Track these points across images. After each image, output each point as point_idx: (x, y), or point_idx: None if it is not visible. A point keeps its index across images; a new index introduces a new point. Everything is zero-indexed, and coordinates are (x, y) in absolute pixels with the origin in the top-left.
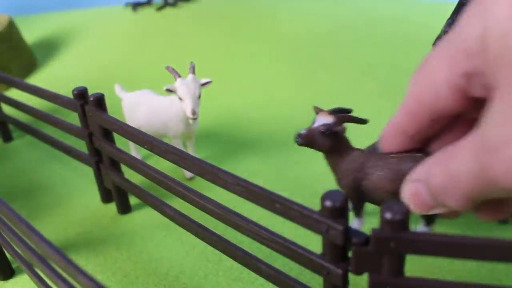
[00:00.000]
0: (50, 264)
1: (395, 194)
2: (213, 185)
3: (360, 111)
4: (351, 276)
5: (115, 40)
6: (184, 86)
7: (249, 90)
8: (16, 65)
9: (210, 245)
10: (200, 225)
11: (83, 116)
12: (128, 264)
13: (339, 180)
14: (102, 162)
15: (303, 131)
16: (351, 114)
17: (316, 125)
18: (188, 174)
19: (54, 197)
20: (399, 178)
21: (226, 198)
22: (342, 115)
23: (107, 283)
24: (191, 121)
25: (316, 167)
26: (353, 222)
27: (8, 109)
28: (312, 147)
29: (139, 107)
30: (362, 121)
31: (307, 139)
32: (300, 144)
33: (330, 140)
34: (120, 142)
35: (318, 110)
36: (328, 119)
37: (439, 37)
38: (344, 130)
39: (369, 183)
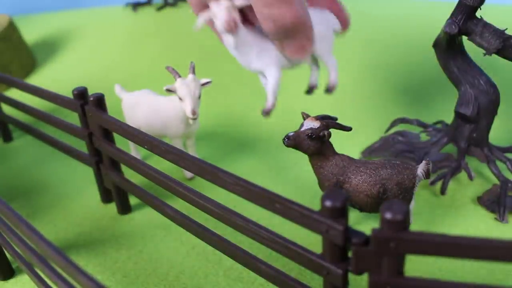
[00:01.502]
0: (50, 264)
1: (375, 198)
2: (213, 185)
3: (360, 111)
4: (351, 276)
5: (115, 40)
6: (184, 86)
7: (249, 90)
8: (16, 65)
9: (210, 245)
10: (200, 225)
11: (83, 116)
12: (128, 264)
13: (321, 183)
14: (102, 162)
15: (291, 134)
16: (336, 121)
17: (303, 128)
18: (188, 174)
19: (54, 197)
20: (379, 182)
21: (226, 198)
22: (328, 121)
23: (107, 283)
24: (191, 121)
25: None
26: None
27: (8, 109)
28: (298, 149)
29: (139, 107)
30: (346, 128)
31: (294, 141)
32: (287, 145)
33: (315, 144)
34: (120, 142)
35: (305, 116)
36: (315, 124)
37: (439, 37)
38: (329, 135)
39: (350, 186)
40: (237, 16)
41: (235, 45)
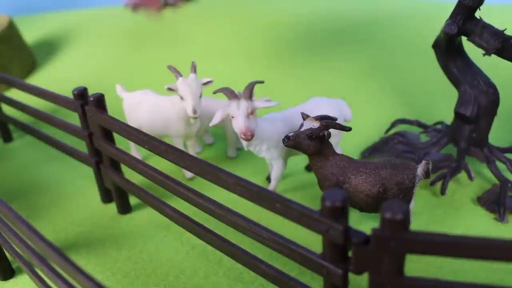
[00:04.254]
0: (50, 264)
1: (375, 198)
2: (213, 185)
3: (360, 111)
4: (351, 276)
5: (115, 40)
6: (186, 85)
7: None
8: (16, 65)
9: (210, 245)
10: (200, 225)
11: (83, 116)
12: (128, 264)
13: (321, 183)
14: (102, 162)
15: (291, 134)
16: (336, 121)
17: (303, 129)
18: (188, 174)
19: (54, 197)
20: (379, 182)
21: (226, 198)
22: (327, 121)
23: (107, 283)
24: (192, 121)
25: None
26: None
27: (8, 109)
28: (298, 149)
29: (140, 107)
30: (346, 128)
31: (294, 142)
32: (287, 146)
33: (315, 144)
34: (120, 142)
35: (305, 116)
36: (315, 124)
37: (439, 37)
38: (329, 135)
39: (349, 186)
40: (254, 122)
41: (247, 147)
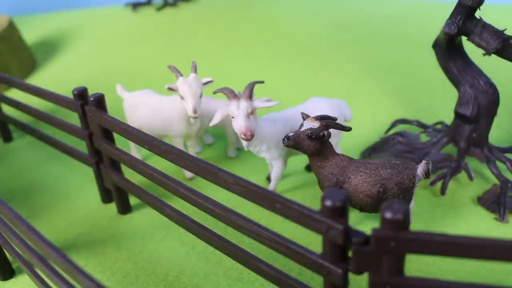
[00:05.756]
0: (50, 264)
1: (375, 198)
2: (213, 185)
3: (360, 111)
4: (351, 276)
5: (115, 40)
6: (186, 84)
7: None
8: (16, 65)
9: (210, 245)
10: (200, 225)
11: (83, 116)
12: (128, 264)
13: (321, 183)
14: (102, 162)
15: (291, 134)
16: (336, 121)
17: (303, 129)
18: (188, 174)
19: (54, 197)
20: (379, 182)
21: (226, 198)
22: (327, 121)
23: (107, 283)
24: (192, 120)
25: None
26: None
27: (8, 109)
28: (298, 149)
29: (141, 107)
30: (346, 128)
31: (294, 141)
32: (287, 146)
33: (315, 144)
34: (120, 142)
35: (305, 116)
36: (314, 124)
37: (439, 37)
38: (329, 135)
39: (349, 186)
40: (254, 122)
41: (247, 147)
